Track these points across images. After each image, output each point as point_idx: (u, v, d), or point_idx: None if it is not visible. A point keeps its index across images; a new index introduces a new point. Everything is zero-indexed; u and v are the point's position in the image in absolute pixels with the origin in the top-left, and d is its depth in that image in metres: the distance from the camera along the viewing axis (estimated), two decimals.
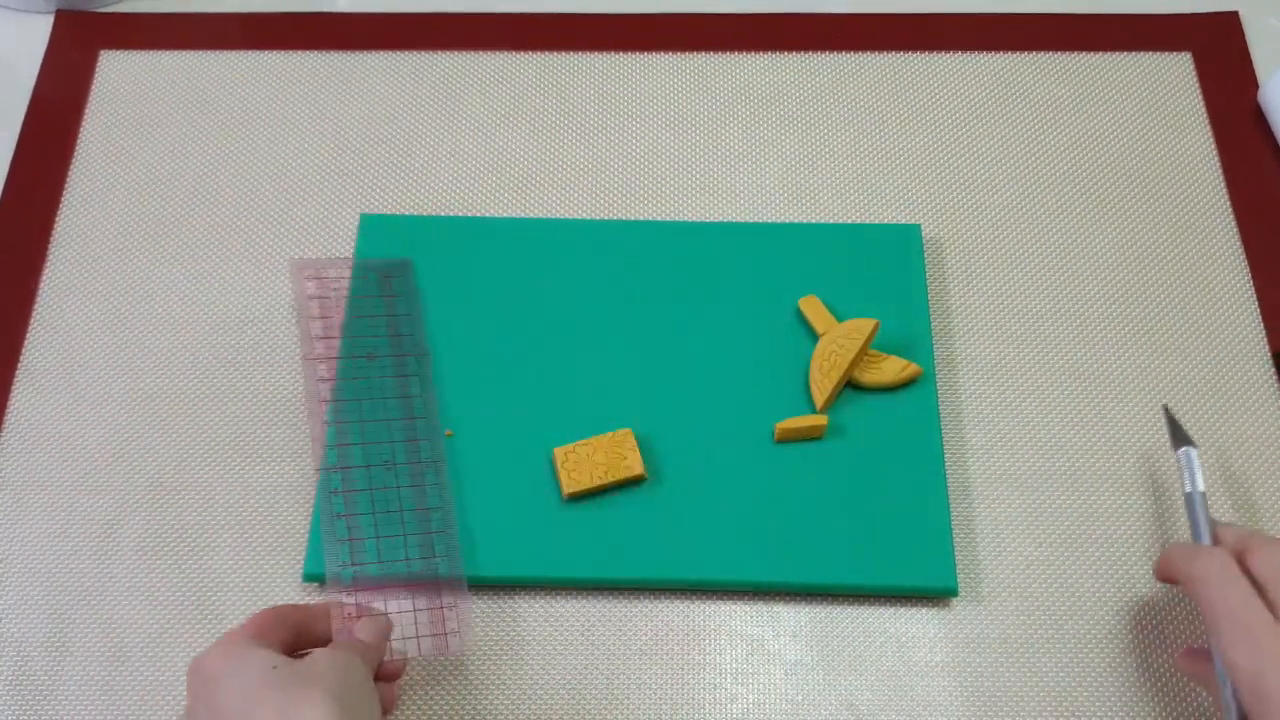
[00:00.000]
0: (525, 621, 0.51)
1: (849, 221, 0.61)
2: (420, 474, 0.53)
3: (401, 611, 0.49)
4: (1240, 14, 0.68)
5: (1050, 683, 0.50)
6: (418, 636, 0.49)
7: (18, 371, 0.57)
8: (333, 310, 0.57)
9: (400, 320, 0.57)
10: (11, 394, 0.57)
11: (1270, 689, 0.39)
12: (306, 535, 0.53)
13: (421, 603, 0.50)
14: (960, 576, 0.51)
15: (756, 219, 0.61)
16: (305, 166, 0.63)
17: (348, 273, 0.58)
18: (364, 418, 0.54)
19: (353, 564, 0.50)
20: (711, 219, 0.61)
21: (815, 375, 0.55)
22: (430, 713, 0.49)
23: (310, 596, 0.52)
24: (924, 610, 0.52)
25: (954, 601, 0.52)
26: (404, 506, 0.52)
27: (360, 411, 0.54)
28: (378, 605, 0.49)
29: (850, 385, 0.55)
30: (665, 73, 0.67)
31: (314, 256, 0.60)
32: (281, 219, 0.62)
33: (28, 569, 0.53)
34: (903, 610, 0.52)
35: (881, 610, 0.52)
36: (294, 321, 0.59)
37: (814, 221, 0.61)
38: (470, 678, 0.50)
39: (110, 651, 0.51)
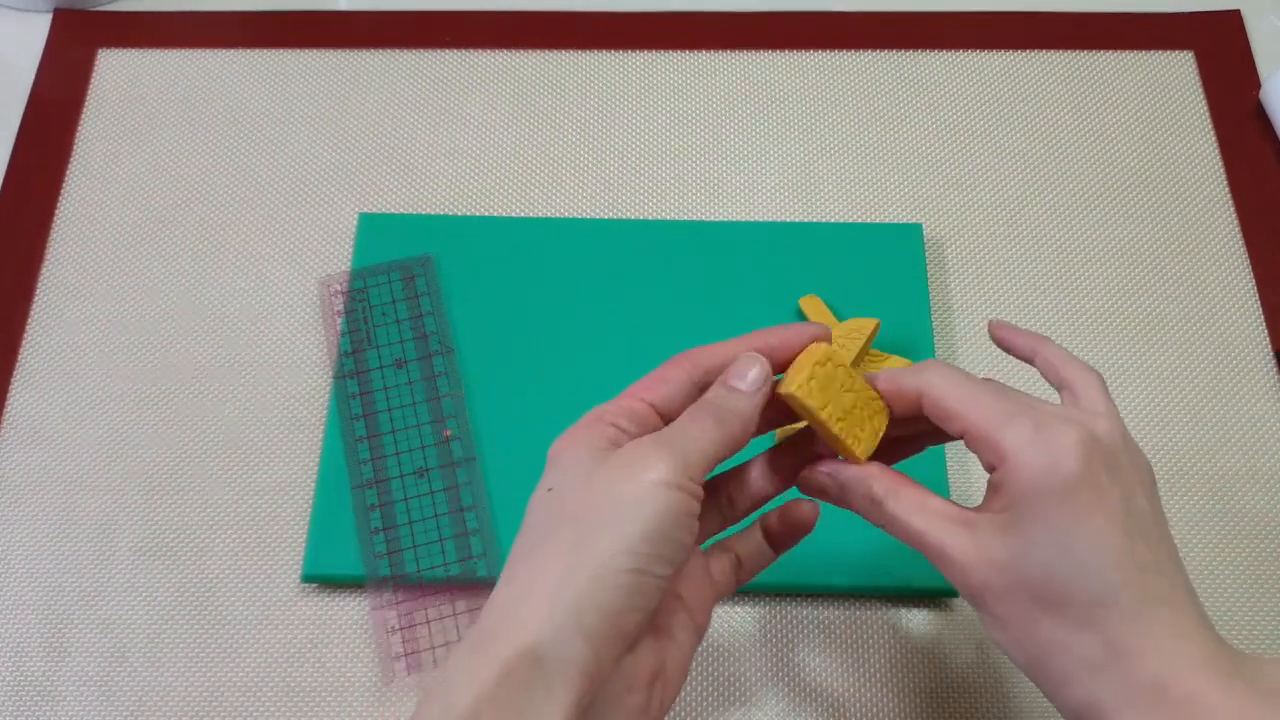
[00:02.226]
0: None
1: (850, 220, 0.61)
2: (453, 474, 0.53)
3: (443, 616, 0.50)
4: (1242, 12, 0.68)
5: None
6: (459, 639, 0.50)
7: (15, 371, 0.57)
8: (360, 323, 0.56)
9: (425, 319, 0.56)
10: (9, 394, 0.57)
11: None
12: (305, 535, 0.53)
13: (461, 605, 0.50)
14: None
15: (757, 218, 0.61)
16: (305, 166, 0.63)
17: (371, 280, 0.58)
18: (395, 426, 0.54)
19: (393, 577, 0.51)
20: (712, 218, 0.61)
21: None
22: None
23: (310, 597, 0.52)
24: (924, 610, 0.51)
25: (954, 601, 0.52)
26: (439, 511, 0.52)
27: (392, 421, 0.54)
28: (419, 612, 0.50)
29: None
30: (666, 71, 0.66)
31: (338, 270, 0.60)
32: (280, 218, 0.62)
33: (26, 570, 0.53)
34: (903, 610, 0.51)
35: (881, 610, 0.51)
36: (293, 321, 0.59)
37: (815, 220, 0.61)
38: None
39: (109, 652, 0.51)
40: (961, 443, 0.36)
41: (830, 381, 0.37)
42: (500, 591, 0.33)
